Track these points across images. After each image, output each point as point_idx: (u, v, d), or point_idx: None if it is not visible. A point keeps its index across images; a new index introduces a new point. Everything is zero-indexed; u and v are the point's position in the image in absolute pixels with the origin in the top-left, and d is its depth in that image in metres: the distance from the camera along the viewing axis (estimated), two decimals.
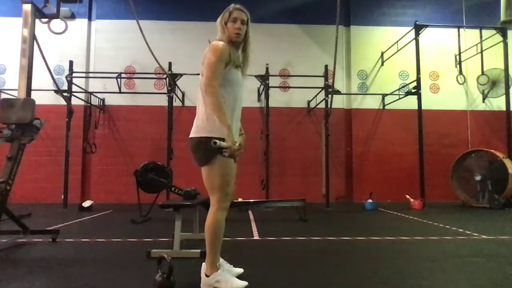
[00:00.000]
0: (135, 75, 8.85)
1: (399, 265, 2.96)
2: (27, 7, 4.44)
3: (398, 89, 8.69)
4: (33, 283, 2.46)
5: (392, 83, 9.00)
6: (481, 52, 8.66)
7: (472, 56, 8.92)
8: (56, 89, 7.10)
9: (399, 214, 6.38)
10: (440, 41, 9.20)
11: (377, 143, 8.96)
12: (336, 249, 3.64)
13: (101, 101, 8.67)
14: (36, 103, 4.07)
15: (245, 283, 2.24)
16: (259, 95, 8.82)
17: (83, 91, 8.28)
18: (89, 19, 9.04)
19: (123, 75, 8.15)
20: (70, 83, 7.61)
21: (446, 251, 3.46)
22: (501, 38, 8.06)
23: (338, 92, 7.74)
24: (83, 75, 8.57)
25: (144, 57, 7.67)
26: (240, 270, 2.55)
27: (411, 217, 5.90)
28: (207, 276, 2.25)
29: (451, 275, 2.65)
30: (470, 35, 8.87)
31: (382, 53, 9.16)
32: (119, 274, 2.72)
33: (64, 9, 8.01)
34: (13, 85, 7.33)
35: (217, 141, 2.14)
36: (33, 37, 4.51)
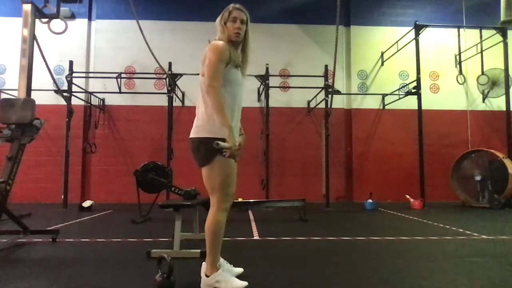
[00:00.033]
0: (135, 75, 8.85)
1: (399, 265, 2.96)
2: (27, 7, 4.44)
3: (398, 89, 8.69)
4: (33, 283, 2.46)
5: (392, 83, 9.00)
6: (481, 52, 8.66)
7: (472, 56, 8.92)
8: (56, 89, 7.10)
9: (399, 214, 6.38)
10: (440, 41, 9.20)
11: (377, 143, 8.96)
12: (336, 249, 3.64)
13: (101, 101, 8.67)
14: (36, 103, 4.07)
15: (245, 283, 2.24)
16: (259, 95, 8.82)
17: (83, 91, 8.28)
18: (89, 19, 9.04)
19: (123, 75, 8.15)
20: (70, 83, 7.61)
21: (446, 251, 3.46)
22: (501, 38, 8.06)
23: (338, 92, 7.74)
24: (83, 75, 8.57)
25: (144, 57, 7.67)
26: (240, 270, 2.56)
27: (411, 217, 5.90)
28: (207, 276, 2.25)
29: (451, 275, 2.65)
30: (470, 35, 8.87)
31: (382, 53, 9.16)
32: (119, 274, 2.72)
33: (64, 9, 8.00)
34: (13, 85, 7.33)
35: (220, 142, 2.14)
36: (33, 37, 4.51)
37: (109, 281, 2.55)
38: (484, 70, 8.69)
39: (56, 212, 6.65)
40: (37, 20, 4.63)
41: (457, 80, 8.73)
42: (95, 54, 8.95)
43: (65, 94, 7.43)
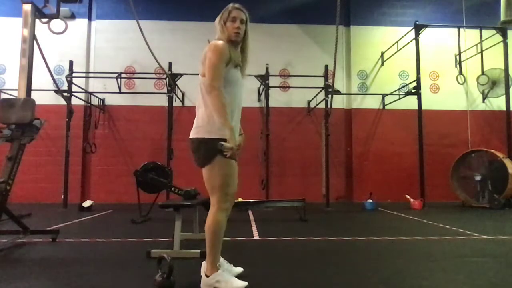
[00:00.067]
0: (135, 75, 8.85)
1: (399, 265, 2.96)
2: (27, 7, 4.44)
3: (398, 89, 8.69)
4: (33, 283, 2.46)
5: (392, 83, 9.00)
6: (481, 52, 8.66)
7: (472, 56, 8.92)
8: (56, 89, 7.10)
9: (399, 214, 6.38)
10: (440, 41, 9.20)
11: (377, 143, 8.96)
12: (336, 249, 3.64)
13: (101, 101, 8.67)
14: (36, 103, 4.07)
15: (245, 283, 2.24)
16: (259, 95, 8.82)
17: (83, 91, 8.28)
18: (89, 19, 9.04)
19: (123, 75, 8.15)
20: (70, 83, 7.61)
21: (446, 251, 3.46)
22: (501, 38, 8.06)
23: (338, 92, 7.74)
24: (83, 75, 8.57)
25: (144, 57, 7.67)
26: (239, 269, 2.56)
27: (411, 217, 5.90)
28: (207, 276, 2.25)
29: (451, 275, 2.65)
30: (470, 35, 8.87)
31: (382, 53, 9.16)
32: (119, 274, 2.72)
33: (64, 9, 8.01)
34: (13, 85, 7.34)
35: (224, 143, 2.14)
36: (33, 37, 4.51)
37: (109, 281, 2.55)
38: (484, 70, 8.69)
39: (56, 212, 6.64)
40: (37, 20, 4.63)
41: (457, 80, 8.73)
42: (95, 54, 8.95)
43: (65, 94, 7.43)
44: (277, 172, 8.70)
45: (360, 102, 9.11)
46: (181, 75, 7.88)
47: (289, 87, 9.02)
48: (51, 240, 3.87)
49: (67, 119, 7.48)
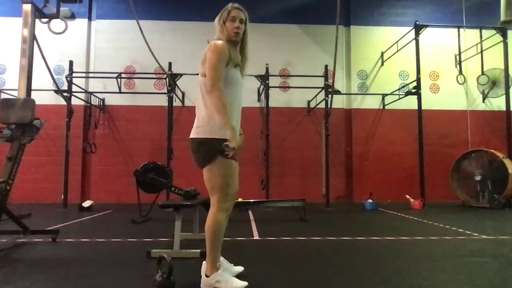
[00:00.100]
0: (135, 75, 8.85)
1: (399, 265, 2.96)
2: (27, 7, 4.44)
3: (398, 89, 8.69)
4: (33, 283, 2.46)
5: (392, 83, 9.00)
6: (481, 52, 8.66)
7: (472, 56, 8.93)
8: (56, 89, 7.10)
9: (399, 214, 6.38)
10: (440, 41, 9.20)
11: (377, 143, 8.96)
12: (336, 249, 3.64)
13: (101, 101, 8.67)
14: (36, 103, 4.07)
15: (245, 283, 2.24)
16: (259, 95, 8.82)
17: (83, 91, 8.28)
18: (89, 19, 9.04)
19: (123, 75, 8.15)
20: (70, 83, 7.61)
21: (446, 251, 3.46)
22: (501, 38, 8.06)
23: (338, 92, 7.74)
24: (83, 75, 8.57)
25: (144, 57, 7.67)
26: (240, 269, 2.56)
27: (411, 217, 5.90)
28: (207, 276, 2.25)
29: (451, 275, 2.65)
30: (470, 35, 8.87)
31: (382, 53, 9.16)
32: (119, 274, 2.72)
33: (64, 9, 8.01)
34: (13, 85, 7.33)
35: (228, 143, 2.13)
36: (33, 37, 4.51)
37: (109, 281, 2.55)
38: (484, 70, 8.69)
39: (56, 212, 6.64)
40: (37, 20, 4.64)
41: (457, 80, 8.73)
42: (95, 54, 8.95)
43: (65, 94, 7.43)
44: (277, 172, 8.70)
45: (360, 102, 9.11)
46: (181, 75, 7.88)
47: (289, 87, 9.02)
48: (51, 240, 3.87)
49: (67, 119, 7.48)
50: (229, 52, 2.27)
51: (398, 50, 8.65)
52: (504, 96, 8.09)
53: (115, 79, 7.67)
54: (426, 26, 7.90)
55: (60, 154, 7.93)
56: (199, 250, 3.14)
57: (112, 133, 8.75)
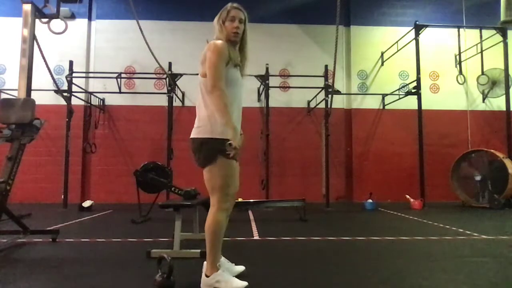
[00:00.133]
0: (135, 75, 8.85)
1: (399, 265, 2.96)
2: (27, 7, 4.44)
3: (398, 89, 8.69)
4: (33, 283, 2.46)
5: (392, 83, 9.00)
6: (481, 52, 8.66)
7: (472, 56, 8.93)
8: (56, 89, 7.10)
9: (399, 214, 6.38)
10: (440, 41, 9.20)
11: (377, 143, 8.96)
12: (336, 249, 3.64)
13: (101, 101, 8.67)
14: (36, 103, 4.07)
15: (245, 283, 2.23)
16: (259, 95, 8.82)
17: (83, 91, 8.28)
18: (89, 19, 9.04)
19: (123, 75, 8.15)
20: (70, 83, 7.61)
21: (446, 251, 3.46)
22: (501, 38, 8.05)
23: (338, 92, 7.74)
24: (83, 75, 8.57)
25: (144, 57, 7.67)
26: (241, 268, 2.56)
27: (411, 217, 5.90)
28: (207, 276, 2.24)
29: (451, 275, 2.65)
30: (470, 35, 8.87)
31: (382, 53, 9.16)
32: (119, 274, 2.72)
33: (64, 9, 8.01)
34: (13, 85, 7.33)
35: (231, 143, 2.13)
36: (33, 37, 4.51)
37: (109, 281, 2.55)
38: (484, 70, 8.69)
39: (56, 212, 6.64)
40: (37, 20, 4.64)
41: (457, 80, 8.73)
42: (95, 54, 8.95)
43: (65, 94, 7.43)
44: (277, 172, 8.70)
45: (360, 102, 9.11)
46: (181, 75, 7.88)
47: (289, 87, 9.01)
48: (51, 240, 3.87)
49: (67, 119, 7.48)
50: (229, 51, 2.26)
51: (398, 50, 8.65)
52: (504, 96, 8.09)
53: (115, 79, 7.67)
54: (426, 26, 7.90)
55: (60, 154, 7.93)
56: (199, 250, 3.14)
57: (112, 133, 8.75)
